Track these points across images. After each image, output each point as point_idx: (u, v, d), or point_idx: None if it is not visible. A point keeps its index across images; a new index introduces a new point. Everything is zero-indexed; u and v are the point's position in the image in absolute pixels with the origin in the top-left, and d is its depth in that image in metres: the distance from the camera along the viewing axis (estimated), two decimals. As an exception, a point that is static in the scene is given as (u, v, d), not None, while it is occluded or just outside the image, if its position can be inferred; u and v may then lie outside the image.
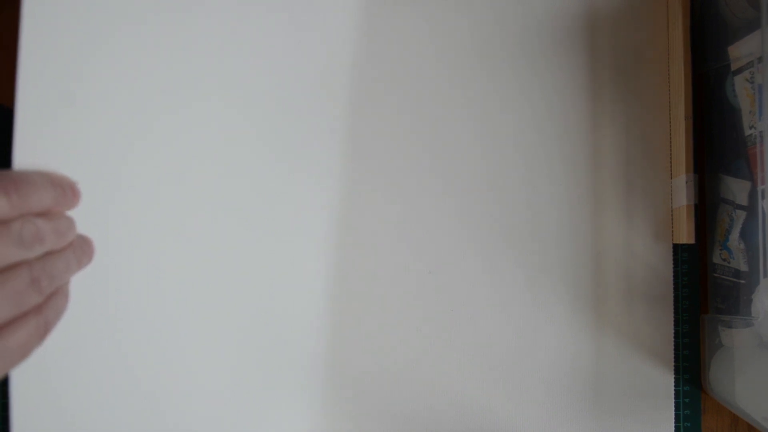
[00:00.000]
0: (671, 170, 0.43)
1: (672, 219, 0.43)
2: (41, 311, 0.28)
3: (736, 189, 0.40)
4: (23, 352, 0.27)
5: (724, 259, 0.42)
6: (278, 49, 0.41)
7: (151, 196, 0.39)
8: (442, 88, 0.43)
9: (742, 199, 0.40)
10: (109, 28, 0.38)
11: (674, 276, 0.43)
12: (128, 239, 0.39)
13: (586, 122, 0.43)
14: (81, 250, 0.32)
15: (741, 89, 0.39)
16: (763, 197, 0.37)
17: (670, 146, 0.43)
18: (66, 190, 0.31)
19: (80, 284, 0.33)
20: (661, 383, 0.43)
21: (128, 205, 0.39)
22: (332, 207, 0.42)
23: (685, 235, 0.41)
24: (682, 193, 0.41)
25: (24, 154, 0.33)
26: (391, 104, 0.43)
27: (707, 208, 0.44)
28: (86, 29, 0.37)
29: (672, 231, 0.43)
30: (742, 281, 0.40)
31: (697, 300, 0.44)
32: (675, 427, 0.43)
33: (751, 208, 0.39)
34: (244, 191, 0.40)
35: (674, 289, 0.43)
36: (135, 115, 0.38)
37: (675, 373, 0.43)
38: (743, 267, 0.40)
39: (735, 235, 0.40)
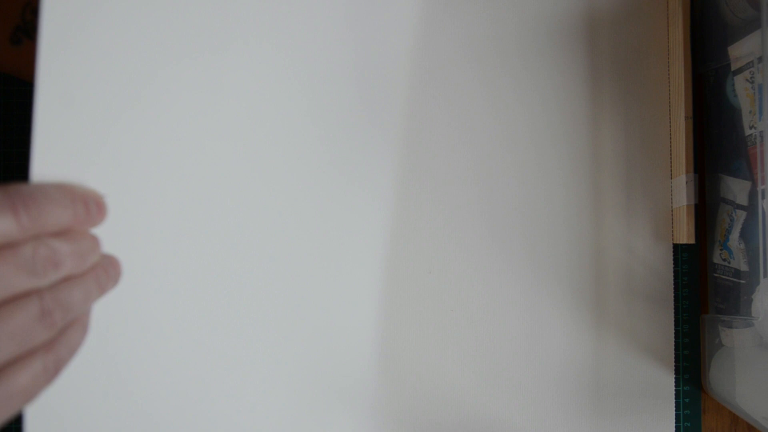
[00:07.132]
0: (671, 170, 0.43)
1: (672, 219, 0.43)
2: (51, 348, 0.25)
3: (736, 189, 0.40)
4: (27, 395, 0.24)
5: (724, 259, 0.42)
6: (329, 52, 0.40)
7: (199, 208, 0.37)
8: (458, 84, 0.43)
9: (742, 199, 0.40)
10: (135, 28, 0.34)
11: (674, 276, 0.43)
12: (176, 253, 0.36)
13: (586, 123, 0.43)
14: (105, 273, 0.28)
15: (741, 89, 0.39)
16: (763, 197, 0.37)
17: (670, 146, 0.43)
18: (90, 206, 0.27)
19: (130, 306, 0.32)
20: (661, 383, 0.43)
21: (177, 217, 0.36)
22: (378, 214, 0.42)
23: (685, 235, 0.41)
24: (682, 193, 0.41)
25: (44, 159, 0.28)
26: (393, 105, 0.43)
27: (707, 208, 0.44)
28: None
29: (672, 231, 0.43)
30: (742, 281, 0.40)
31: (697, 300, 0.44)
32: (675, 427, 0.43)
33: (751, 208, 0.39)
34: (295, 209, 0.39)
35: (674, 289, 0.43)
36: (180, 120, 0.35)
37: (675, 373, 0.43)
38: (743, 267, 0.40)
39: (735, 235, 0.40)
